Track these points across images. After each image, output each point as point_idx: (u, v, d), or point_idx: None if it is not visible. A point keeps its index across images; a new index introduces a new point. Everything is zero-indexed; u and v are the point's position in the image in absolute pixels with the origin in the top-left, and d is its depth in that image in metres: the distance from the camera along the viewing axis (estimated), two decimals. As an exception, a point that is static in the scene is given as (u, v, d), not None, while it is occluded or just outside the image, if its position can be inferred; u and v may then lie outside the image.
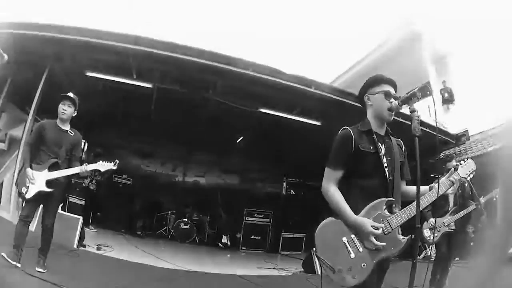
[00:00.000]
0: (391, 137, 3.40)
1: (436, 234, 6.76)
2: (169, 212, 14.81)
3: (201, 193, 17.09)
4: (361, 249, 2.96)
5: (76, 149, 5.84)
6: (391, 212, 3.08)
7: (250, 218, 14.57)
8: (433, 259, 10.52)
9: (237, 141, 14.76)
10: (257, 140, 14.48)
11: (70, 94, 5.76)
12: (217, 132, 14.24)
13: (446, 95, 17.03)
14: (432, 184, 3.26)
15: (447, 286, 6.72)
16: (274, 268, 10.04)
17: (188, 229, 13.92)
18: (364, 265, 2.93)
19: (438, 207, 6.91)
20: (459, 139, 14.06)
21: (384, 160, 3.18)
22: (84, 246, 8.42)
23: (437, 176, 5.03)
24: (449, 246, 7.01)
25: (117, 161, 5.89)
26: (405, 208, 3.06)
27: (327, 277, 3.02)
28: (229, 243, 14.38)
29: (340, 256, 2.98)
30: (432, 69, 18.11)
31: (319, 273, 3.26)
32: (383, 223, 2.98)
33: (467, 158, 3.45)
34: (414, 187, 3.08)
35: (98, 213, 13.28)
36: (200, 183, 17.73)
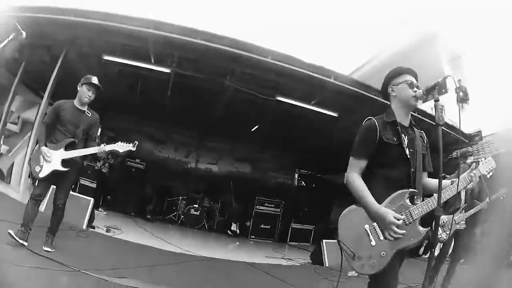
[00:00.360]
0: (414, 128, 3.40)
1: (447, 232, 6.61)
2: (180, 197, 14.84)
3: (212, 180, 17.13)
4: (381, 238, 3.00)
5: (93, 130, 5.84)
6: (412, 203, 3.11)
7: (261, 207, 14.56)
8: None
9: (252, 130, 14.66)
10: (272, 130, 14.49)
11: (96, 81, 5.75)
12: (232, 120, 14.28)
13: (461, 94, 16.85)
14: (454, 179, 3.22)
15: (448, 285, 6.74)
16: (282, 258, 10.06)
17: (198, 215, 14.00)
18: (383, 254, 2.97)
19: (450, 204, 6.71)
20: (472, 138, 14.02)
21: (407, 151, 3.19)
22: (94, 227, 8.47)
23: (446, 176, 5.02)
24: (455, 245, 7.07)
25: (136, 142, 5.86)
26: (426, 200, 3.08)
27: (347, 264, 3.08)
28: (238, 231, 14.41)
29: (361, 243, 3.03)
30: (447, 67, 18.03)
31: (327, 264, 3.37)
32: (404, 214, 3.01)
33: (488, 156, 3.45)
34: (435, 180, 3.12)
35: (108, 197, 13.41)
36: (212, 171, 17.80)
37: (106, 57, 9.60)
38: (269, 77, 9.80)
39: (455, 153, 9.31)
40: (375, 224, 3.04)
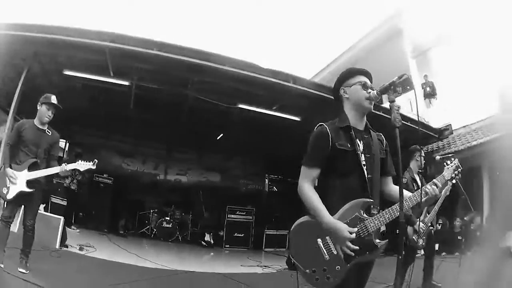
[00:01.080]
0: (371, 132, 3.23)
1: (423, 237, 6.63)
2: (151, 211, 14.78)
3: (183, 191, 17.14)
4: (335, 252, 2.87)
5: (54, 149, 5.82)
6: (369, 214, 2.97)
7: (233, 216, 14.58)
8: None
9: (217, 138, 14.78)
10: (238, 137, 14.55)
11: (55, 101, 5.70)
12: (197, 129, 14.34)
13: (428, 89, 17.06)
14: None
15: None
16: (258, 266, 10.05)
17: (171, 228, 13.97)
18: (338, 268, 2.86)
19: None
20: (442, 133, 14.19)
21: (363, 157, 3.04)
22: (67, 246, 8.38)
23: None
24: (429, 243, 7.00)
25: (96, 160, 5.80)
26: (384, 211, 2.94)
27: (303, 278, 2.97)
28: (212, 241, 14.37)
29: (314, 257, 2.89)
30: (413, 63, 18.24)
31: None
32: (359, 226, 2.88)
33: (454, 159, 3.28)
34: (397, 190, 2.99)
35: (81, 213, 13.24)
36: (181, 181, 17.83)
37: (67, 72, 9.52)
38: (229, 84, 9.85)
39: (425, 149, 9.38)
40: (327, 237, 2.89)
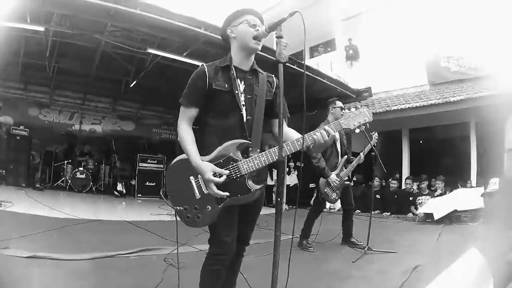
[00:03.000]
0: (259, 73, 3.14)
1: (337, 191, 6.92)
2: (66, 162, 14.86)
3: (97, 141, 17.39)
4: (206, 191, 2.83)
5: None
6: (246, 155, 2.89)
7: (144, 164, 14.99)
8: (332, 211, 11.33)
9: (131, 86, 14.85)
10: (152, 85, 14.90)
11: None
12: (111, 77, 14.72)
13: (351, 51, 17.75)
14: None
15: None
16: (167, 214, 10.44)
17: (84, 179, 14.23)
18: (209, 208, 2.84)
19: (327, 159, 6.96)
20: (361, 94, 14.92)
21: (242, 98, 2.98)
22: None
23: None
24: (345, 198, 7.33)
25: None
26: (260, 154, 2.85)
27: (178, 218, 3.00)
28: (124, 190, 14.71)
29: (186, 195, 2.89)
30: (340, 26, 18.81)
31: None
32: (232, 168, 2.83)
33: (361, 106, 3.10)
34: (292, 133, 3.10)
35: (0, 170, 13.30)
36: (96, 131, 17.82)
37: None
38: (141, 29, 10.06)
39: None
40: (200, 176, 2.86)
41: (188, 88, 3.02)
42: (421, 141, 16.34)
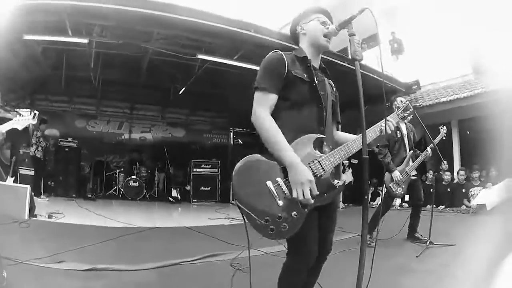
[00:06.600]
0: (324, 74, 2.98)
1: (403, 186, 6.80)
2: (117, 171, 14.84)
3: (148, 148, 17.25)
4: (290, 196, 2.43)
5: None
6: (321, 151, 2.65)
7: (198, 170, 14.78)
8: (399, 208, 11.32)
9: (180, 92, 14.71)
10: (201, 90, 14.69)
11: None
12: (160, 85, 14.56)
13: (395, 45, 17.30)
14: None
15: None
16: (225, 218, 10.25)
17: (138, 186, 14.10)
18: (295, 215, 2.45)
19: (395, 154, 6.93)
20: (410, 88, 14.46)
21: (319, 91, 2.73)
22: (36, 216, 8.30)
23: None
24: (414, 194, 7.23)
25: (37, 112, 4.66)
26: (339, 147, 2.64)
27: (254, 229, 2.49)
28: (179, 196, 14.56)
29: (265, 204, 2.45)
30: (382, 20, 18.28)
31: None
32: (313, 165, 2.54)
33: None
34: (346, 135, 2.99)
35: (49, 182, 13.23)
36: (146, 139, 17.83)
37: (26, 37, 9.32)
38: (189, 35, 9.86)
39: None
40: (279, 179, 2.47)
41: (265, 72, 2.70)
42: (468, 132, 15.70)
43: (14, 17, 8.33)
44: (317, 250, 2.68)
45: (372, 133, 2.79)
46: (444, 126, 7.19)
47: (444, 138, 7.10)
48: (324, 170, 2.55)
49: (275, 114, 2.65)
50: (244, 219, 2.51)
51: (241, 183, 2.53)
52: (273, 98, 2.64)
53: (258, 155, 2.58)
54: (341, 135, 3.03)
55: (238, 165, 2.56)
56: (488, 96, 11.52)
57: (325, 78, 2.95)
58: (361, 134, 2.54)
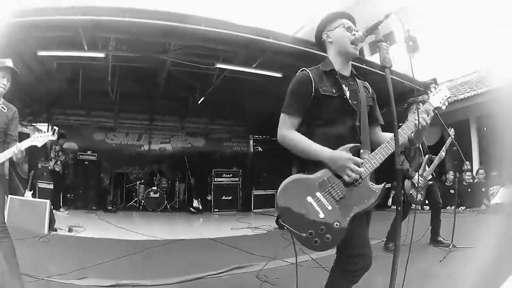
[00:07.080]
0: (356, 79, 2.99)
1: (422, 192, 6.84)
2: (138, 182, 14.83)
3: (168, 159, 17.23)
4: (330, 207, 2.56)
5: (12, 127, 4.36)
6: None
7: (219, 179, 14.66)
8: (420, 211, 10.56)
9: (199, 102, 14.57)
10: (220, 99, 14.50)
11: (11, 64, 4.29)
12: (178, 95, 14.46)
13: (410, 43, 17.03)
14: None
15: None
16: (248, 228, 10.11)
17: (159, 197, 14.01)
18: (337, 225, 2.55)
19: (411, 160, 6.92)
20: (428, 86, 14.25)
21: (351, 103, 2.78)
22: (55, 230, 8.22)
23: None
24: (432, 198, 7.20)
25: (56, 128, 4.39)
26: (373, 152, 2.69)
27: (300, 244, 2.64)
28: (200, 206, 14.36)
29: (308, 218, 2.58)
30: (395, 18, 18.11)
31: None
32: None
33: (438, 86, 3.11)
34: (386, 135, 2.92)
35: (69, 195, 13.21)
36: (166, 150, 17.81)
37: (41, 53, 9.33)
38: (206, 45, 9.73)
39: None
40: (318, 193, 2.57)
41: (291, 95, 2.81)
42: (485, 128, 15.50)
43: (27, 33, 8.39)
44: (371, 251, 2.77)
45: (406, 129, 2.76)
46: (452, 128, 7.10)
47: (453, 139, 6.95)
48: (361, 177, 2.60)
49: (310, 131, 2.77)
50: (292, 237, 2.64)
51: (283, 202, 2.66)
52: (296, 120, 2.76)
53: (297, 175, 2.71)
54: (382, 137, 3.01)
55: (280, 187, 2.68)
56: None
57: (358, 84, 2.94)
58: (392, 135, 2.61)
